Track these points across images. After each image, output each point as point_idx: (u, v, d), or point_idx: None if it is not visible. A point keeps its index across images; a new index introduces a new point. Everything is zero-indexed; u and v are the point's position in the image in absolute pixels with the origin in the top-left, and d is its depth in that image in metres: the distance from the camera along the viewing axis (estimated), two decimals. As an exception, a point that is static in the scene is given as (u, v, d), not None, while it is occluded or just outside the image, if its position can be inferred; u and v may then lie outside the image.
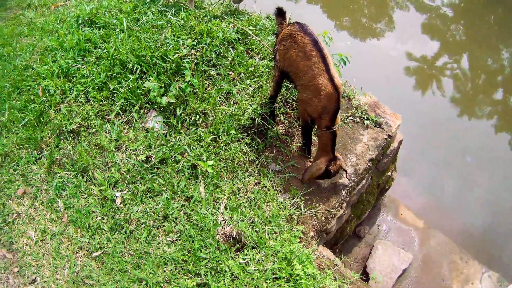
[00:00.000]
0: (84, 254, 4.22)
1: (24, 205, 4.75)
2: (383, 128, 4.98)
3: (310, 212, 4.27)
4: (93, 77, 5.25)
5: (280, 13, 4.32)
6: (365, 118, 5.03)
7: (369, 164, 4.74)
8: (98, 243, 4.21)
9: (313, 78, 3.83)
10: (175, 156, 4.46)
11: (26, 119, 5.33)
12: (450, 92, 8.83)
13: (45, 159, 4.90)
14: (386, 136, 4.92)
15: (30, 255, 4.36)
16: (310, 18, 9.46)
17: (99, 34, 5.71)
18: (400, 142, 5.50)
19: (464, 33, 10.38)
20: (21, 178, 4.96)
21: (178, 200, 4.25)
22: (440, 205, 6.85)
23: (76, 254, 4.23)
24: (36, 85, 5.58)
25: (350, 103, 5.18)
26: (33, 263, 4.30)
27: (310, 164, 4.30)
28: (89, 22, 6.16)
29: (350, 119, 5.01)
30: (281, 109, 5.00)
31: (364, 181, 4.95)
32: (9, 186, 4.97)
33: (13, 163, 5.16)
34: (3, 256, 4.50)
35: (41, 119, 5.27)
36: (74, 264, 4.16)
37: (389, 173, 6.02)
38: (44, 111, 5.29)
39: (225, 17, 5.83)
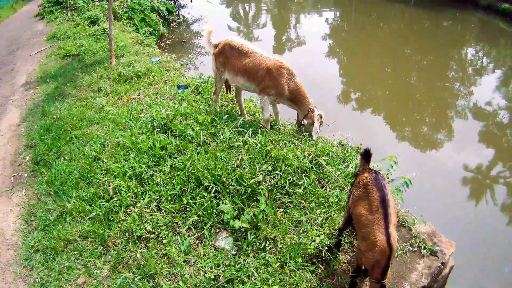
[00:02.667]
0: None
1: (83, 293, 5.20)
2: (437, 256, 5.39)
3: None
4: (167, 188, 5.87)
5: (366, 155, 4.83)
6: (422, 247, 5.45)
7: (421, 290, 5.16)
8: None
9: (372, 232, 4.33)
10: (242, 278, 4.90)
11: (94, 213, 5.89)
12: (502, 199, 9.21)
13: (111, 257, 5.40)
14: (440, 264, 5.32)
15: None
16: (373, 129, 10.21)
17: (175, 144, 6.41)
18: (451, 268, 5.81)
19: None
20: (83, 268, 5.43)
21: (241, 320, 4.70)
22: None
23: None
24: (106, 181, 6.23)
25: (410, 232, 5.65)
26: None
27: None
28: (165, 127, 6.87)
29: (408, 249, 5.45)
30: (346, 238, 5.49)
31: (414, 307, 5.34)
32: (69, 272, 5.43)
33: (75, 252, 5.66)
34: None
35: (110, 217, 5.84)
36: None
37: (438, 297, 6.40)
38: (114, 210, 5.88)
39: (299, 144, 6.50)
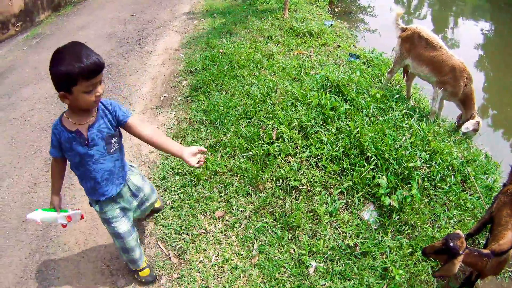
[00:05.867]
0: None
1: (216, 227, 5.55)
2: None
3: None
4: (329, 148, 6.24)
5: None
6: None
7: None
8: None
9: (505, 229, 4.67)
10: (375, 254, 5.20)
11: (251, 153, 6.36)
12: None
13: (257, 199, 5.81)
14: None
15: (200, 272, 5.03)
16: (500, 152, 10.23)
17: (345, 108, 6.77)
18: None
19: None
20: (224, 202, 5.84)
21: (361, 291, 5.01)
22: None
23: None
24: (270, 125, 6.67)
25: (514, 260, 5.81)
26: (198, 279, 4.96)
27: None
28: (337, 89, 7.27)
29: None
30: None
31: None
32: (207, 202, 5.82)
33: (220, 184, 6.08)
34: (168, 257, 5.23)
35: (267, 160, 6.27)
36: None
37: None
38: (272, 154, 6.31)
39: (453, 144, 6.76)
